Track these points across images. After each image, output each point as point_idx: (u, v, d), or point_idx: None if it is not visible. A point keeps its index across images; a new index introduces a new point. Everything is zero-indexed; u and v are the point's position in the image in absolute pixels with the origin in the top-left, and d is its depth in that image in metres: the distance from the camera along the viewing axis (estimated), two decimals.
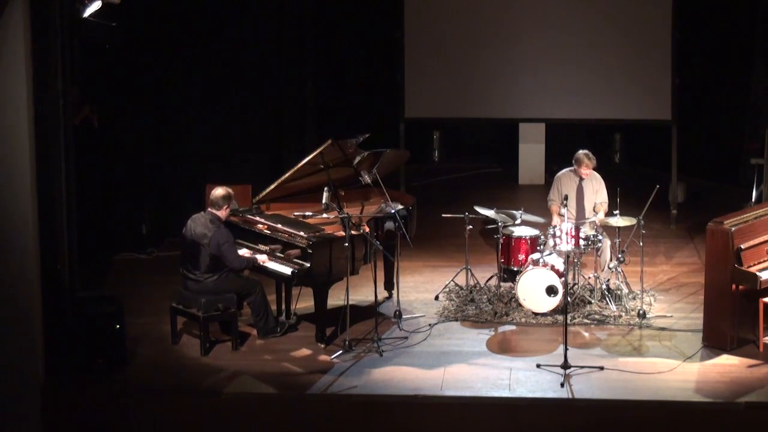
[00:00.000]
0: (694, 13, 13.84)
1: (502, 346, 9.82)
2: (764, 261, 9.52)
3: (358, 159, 10.22)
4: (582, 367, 9.20)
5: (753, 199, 12.93)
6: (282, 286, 10.29)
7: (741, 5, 14.21)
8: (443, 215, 11.15)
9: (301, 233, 9.74)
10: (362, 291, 10.58)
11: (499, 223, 10.69)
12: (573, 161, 10.95)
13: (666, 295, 10.88)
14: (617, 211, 10.41)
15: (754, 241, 9.48)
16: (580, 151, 10.93)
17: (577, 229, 10.27)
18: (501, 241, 10.63)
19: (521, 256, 10.58)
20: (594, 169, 10.96)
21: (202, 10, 12.47)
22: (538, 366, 9.25)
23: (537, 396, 8.85)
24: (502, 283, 10.76)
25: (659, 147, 14.14)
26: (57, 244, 9.20)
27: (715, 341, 9.60)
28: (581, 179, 10.95)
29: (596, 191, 10.96)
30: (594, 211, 10.90)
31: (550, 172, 14.34)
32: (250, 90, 12.87)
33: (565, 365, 9.11)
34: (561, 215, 10.53)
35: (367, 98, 15.16)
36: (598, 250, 10.56)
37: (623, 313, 10.33)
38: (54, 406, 8.96)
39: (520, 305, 10.35)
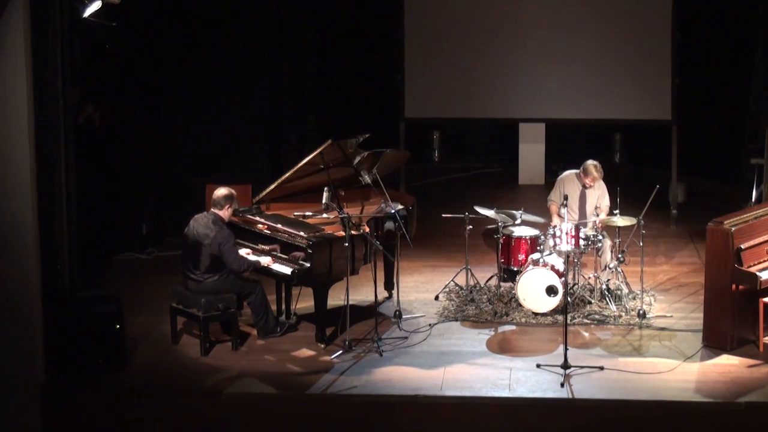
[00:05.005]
0: (694, 13, 13.82)
1: (502, 346, 9.82)
2: (764, 261, 9.52)
3: (358, 159, 10.22)
4: (582, 367, 9.19)
5: (753, 199, 12.92)
6: (282, 286, 10.29)
7: (741, 5, 14.20)
8: (443, 215, 11.15)
9: (301, 233, 9.73)
10: (362, 291, 10.57)
11: (499, 223, 10.69)
12: (581, 169, 10.86)
13: (666, 295, 10.88)
14: (617, 211, 10.41)
15: (754, 241, 9.47)
16: (590, 162, 10.77)
17: (577, 229, 10.26)
18: (501, 241, 10.63)
19: (521, 256, 10.58)
20: None
21: (202, 10, 12.47)
22: (538, 366, 9.25)
23: (537, 396, 8.85)
24: (502, 283, 10.76)
25: (659, 147, 14.12)
26: (57, 244, 9.20)
27: (715, 341, 9.59)
28: (585, 186, 10.91)
29: (599, 197, 10.90)
30: (595, 213, 10.87)
31: (550, 172, 14.37)
32: (250, 90, 12.87)
33: (565, 365, 9.10)
34: (561, 216, 10.52)
35: (367, 98, 15.15)
36: (598, 250, 10.55)
37: (623, 313, 10.32)
38: (54, 406, 8.96)
39: (520, 305, 10.35)
